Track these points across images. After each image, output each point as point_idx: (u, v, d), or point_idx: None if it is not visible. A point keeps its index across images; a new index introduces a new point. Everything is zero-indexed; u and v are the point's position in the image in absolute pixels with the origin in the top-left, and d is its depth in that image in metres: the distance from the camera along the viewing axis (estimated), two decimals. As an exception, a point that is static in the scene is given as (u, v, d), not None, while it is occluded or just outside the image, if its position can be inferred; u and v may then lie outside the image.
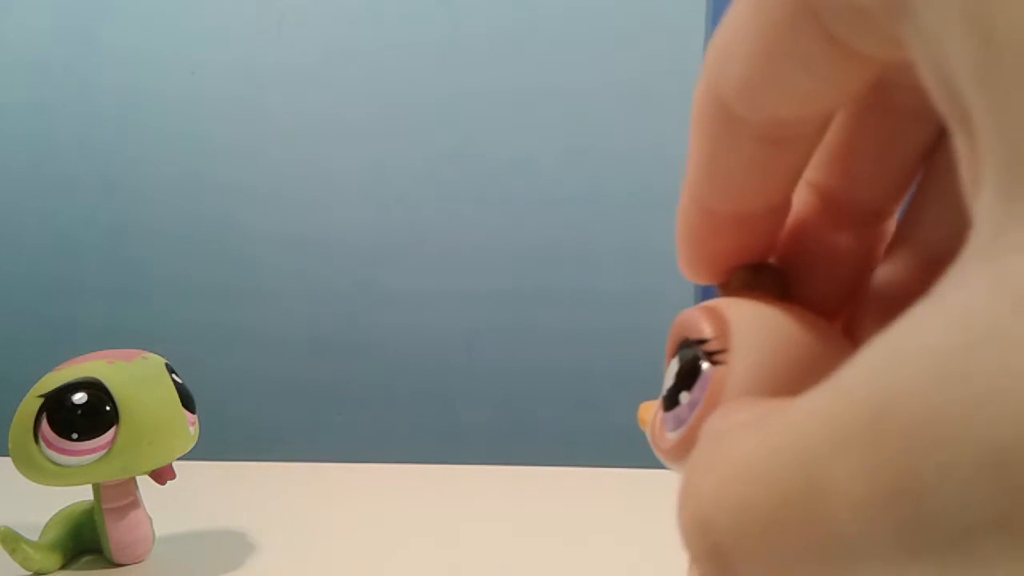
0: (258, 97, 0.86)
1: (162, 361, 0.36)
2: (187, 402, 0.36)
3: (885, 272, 0.14)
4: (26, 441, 0.32)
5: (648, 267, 0.83)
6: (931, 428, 0.07)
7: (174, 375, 0.36)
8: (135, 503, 0.36)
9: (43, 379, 0.33)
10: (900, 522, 0.07)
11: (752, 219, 0.13)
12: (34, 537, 0.36)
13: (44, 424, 0.32)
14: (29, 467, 0.33)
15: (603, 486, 0.47)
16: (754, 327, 0.12)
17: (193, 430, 0.36)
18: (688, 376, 0.12)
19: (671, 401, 0.13)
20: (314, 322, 0.88)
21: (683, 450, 0.12)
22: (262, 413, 0.87)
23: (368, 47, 0.85)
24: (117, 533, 0.36)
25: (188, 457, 0.36)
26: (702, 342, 0.12)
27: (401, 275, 0.86)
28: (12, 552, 0.34)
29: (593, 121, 0.83)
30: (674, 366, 0.13)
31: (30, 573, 0.35)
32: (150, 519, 0.37)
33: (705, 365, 0.12)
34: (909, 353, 0.07)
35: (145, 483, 0.36)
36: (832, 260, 0.14)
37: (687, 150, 0.13)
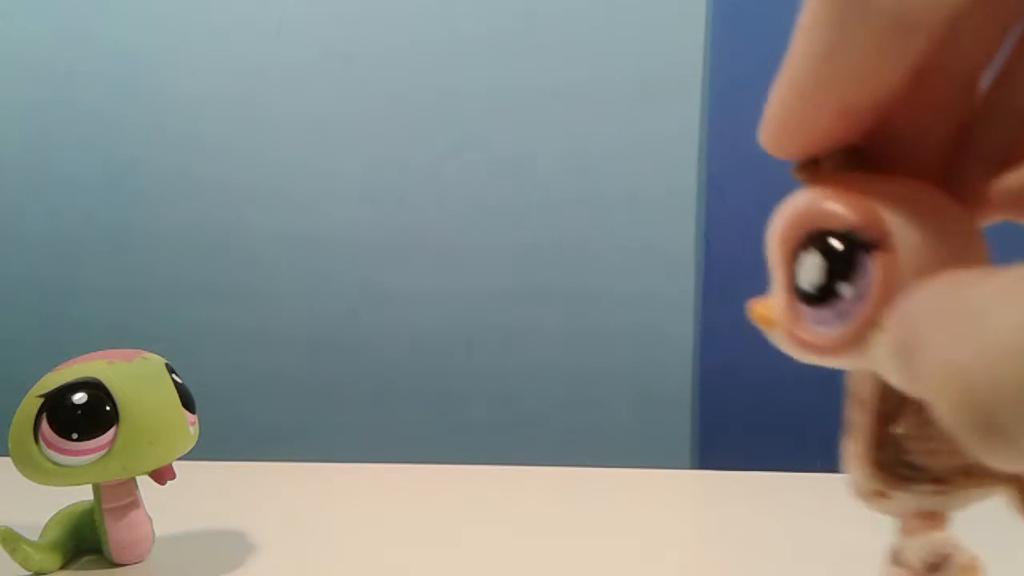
0: (258, 97, 0.86)
1: (162, 361, 0.36)
2: (187, 402, 0.36)
3: (983, 130, 0.13)
4: (26, 441, 0.32)
5: (648, 267, 0.83)
6: None
7: (174, 375, 0.36)
8: (135, 503, 0.36)
9: (43, 379, 0.33)
10: None
11: (857, 110, 0.13)
12: (34, 537, 0.36)
13: (44, 424, 0.32)
14: (29, 467, 0.33)
15: (603, 486, 0.47)
16: (901, 207, 0.12)
17: (193, 430, 0.36)
18: (844, 268, 0.12)
19: (823, 295, 0.12)
20: (314, 321, 0.88)
21: (851, 344, 0.12)
22: (262, 413, 0.87)
23: (368, 47, 0.85)
24: (117, 533, 0.36)
25: (188, 457, 0.36)
26: (848, 232, 0.12)
27: (401, 275, 0.86)
28: (12, 552, 0.34)
29: (593, 121, 0.83)
30: (815, 259, 0.12)
31: (30, 573, 0.35)
32: (150, 519, 0.37)
33: (863, 255, 0.12)
34: None
35: (145, 483, 0.36)
36: (925, 135, 0.13)
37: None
